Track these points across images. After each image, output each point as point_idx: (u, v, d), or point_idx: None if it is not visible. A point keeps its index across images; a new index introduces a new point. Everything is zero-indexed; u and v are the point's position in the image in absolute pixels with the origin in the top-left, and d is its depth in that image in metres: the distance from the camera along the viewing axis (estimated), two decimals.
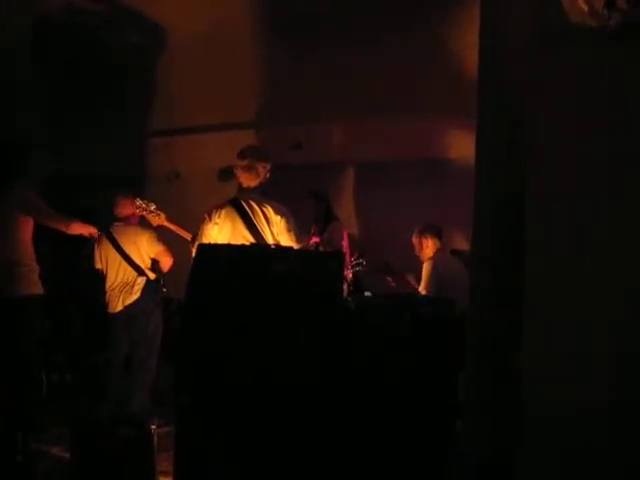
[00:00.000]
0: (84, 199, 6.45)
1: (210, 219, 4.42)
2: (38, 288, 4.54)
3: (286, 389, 3.18)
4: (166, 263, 5.54)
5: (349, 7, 6.42)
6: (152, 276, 5.52)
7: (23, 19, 7.06)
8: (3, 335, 4.41)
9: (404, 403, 3.23)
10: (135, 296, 5.45)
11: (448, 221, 6.00)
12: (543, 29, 2.74)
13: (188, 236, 4.93)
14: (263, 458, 3.19)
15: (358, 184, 7.22)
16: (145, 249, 5.49)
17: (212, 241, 4.33)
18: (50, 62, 7.36)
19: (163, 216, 5.35)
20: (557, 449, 2.63)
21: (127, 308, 5.46)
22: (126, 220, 5.55)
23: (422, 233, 5.86)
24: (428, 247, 5.82)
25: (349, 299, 3.86)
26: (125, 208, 5.55)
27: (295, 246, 4.28)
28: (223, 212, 4.40)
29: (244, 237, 4.31)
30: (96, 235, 4.99)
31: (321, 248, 5.53)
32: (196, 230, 4.54)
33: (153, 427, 3.95)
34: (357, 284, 5.93)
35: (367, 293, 5.23)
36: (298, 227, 4.47)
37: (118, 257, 5.46)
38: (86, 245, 5.57)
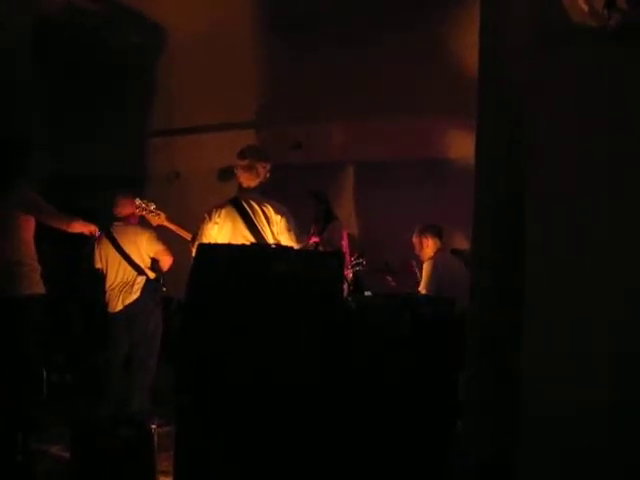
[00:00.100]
0: (84, 199, 6.45)
1: (210, 219, 4.42)
2: (40, 288, 4.53)
3: (286, 389, 3.18)
4: (166, 262, 5.54)
5: (349, 7, 6.43)
6: (152, 275, 5.52)
7: (23, 19, 7.07)
8: (4, 334, 4.40)
9: (404, 403, 3.23)
10: (135, 295, 5.45)
11: (448, 221, 6.00)
12: (543, 29, 2.74)
13: (188, 236, 4.93)
14: (263, 458, 3.19)
15: (358, 184, 7.22)
16: (145, 248, 5.50)
17: (212, 241, 4.33)
18: (50, 62, 7.36)
19: (163, 216, 5.35)
20: (557, 449, 2.63)
21: (127, 307, 5.46)
22: (126, 220, 5.56)
23: (422, 233, 5.86)
24: (428, 247, 5.82)
25: (349, 299, 3.86)
26: (125, 208, 5.55)
27: (295, 246, 4.28)
28: (223, 212, 4.41)
29: (244, 237, 4.31)
30: (97, 233, 4.99)
31: (321, 248, 5.54)
32: (196, 230, 4.54)
33: (153, 427, 3.95)
34: (357, 284, 5.93)
35: (367, 293, 5.23)
36: (298, 227, 4.47)
37: (118, 257, 5.46)
38: (86, 244, 5.57)
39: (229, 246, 3.95)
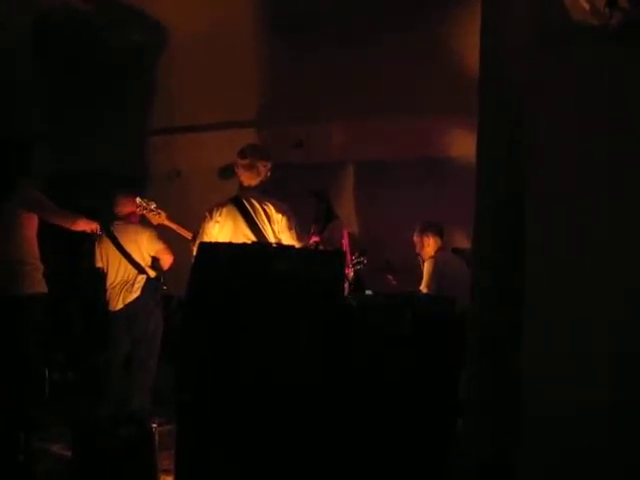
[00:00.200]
0: (84, 198, 6.45)
1: (211, 217, 4.42)
2: (42, 287, 4.53)
3: (287, 388, 3.18)
4: (166, 261, 5.55)
5: (349, 7, 6.42)
6: (152, 274, 5.53)
7: (23, 19, 7.06)
8: (6, 334, 4.40)
9: (405, 402, 3.23)
10: (135, 294, 5.46)
11: (449, 220, 6.00)
12: (543, 29, 2.74)
13: (188, 235, 4.93)
14: (264, 457, 3.20)
15: (359, 183, 7.22)
16: (145, 247, 5.50)
17: (213, 239, 4.33)
18: (50, 61, 7.36)
19: (163, 215, 5.35)
20: (557, 449, 2.63)
21: (127, 306, 5.46)
22: (126, 218, 5.56)
23: (423, 232, 5.86)
24: (429, 245, 5.82)
25: (350, 298, 3.87)
26: (125, 207, 5.56)
27: (296, 244, 4.28)
28: (224, 210, 4.41)
29: (245, 235, 4.31)
30: (98, 231, 5.00)
31: (321, 247, 5.54)
32: (197, 229, 4.54)
33: (154, 426, 3.95)
34: (358, 283, 5.94)
35: (368, 292, 5.23)
36: (299, 225, 4.47)
37: (119, 255, 5.46)
38: (86, 243, 5.58)
39: (230, 245, 3.95)
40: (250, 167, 4.46)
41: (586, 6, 2.58)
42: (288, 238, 4.34)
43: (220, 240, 4.32)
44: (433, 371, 3.29)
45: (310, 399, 3.17)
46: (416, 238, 5.91)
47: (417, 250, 5.92)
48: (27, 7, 6.95)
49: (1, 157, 4.67)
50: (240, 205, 4.40)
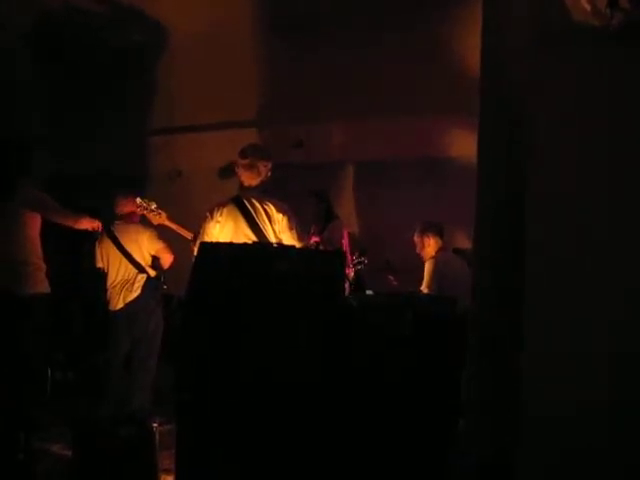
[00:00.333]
0: (85, 198, 6.45)
1: (212, 217, 4.42)
2: (45, 287, 4.53)
3: (287, 387, 3.18)
4: (167, 260, 5.55)
5: (349, 7, 6.43)
6: (152, 273, 5.53)
7: (23, 19, 7.06)
8: (8, 333, 4.40)
9: (405, 402, 3.24)
10: (136, 293, 5.46)
11: (449, 220, 6.00)
12: (543, 29, 2.74)
13: (189, 235, 4.93)
14: (264, 456, 3.20)
15: (359, 183, 7.23)
16: (146, 246, 5.51)
17: (214, 239, 4.34)
18: (50, 62, 7.36)
19: (164, 215, 5.35)
20: (557, 449, 2.63)
21: (128, 306, 5.47)
22: (127, 218, 5.57)
23: (423, 232, 5.86)
24: (430, 246, 5.82)
25: (351, 298, 3.87)
26: (125, 207, 5.57)
27: (297, 244, 4.28)
28: (225, 210, 4.41)
29: (246, 235, 4.31)
30: (100, 229, 5.00)
31: (321, 247, 5.55)
32: (198, 229, 4.54)
33: (154, 425, 3.96)
34: (358, 283, 5.95)
35: (369, 292, 5.24)
36: (300, 225, 4.48)
37: (119, 255, 5.47)
38: (87, 243, 5.58)
39: (231, 245, 3.95)
40: (251, 167, 4.47)
41: (587, 7, 2.58)
42: (289, 238, 4.34)
43: (221, 240, 4.32)
44: (434, 371, 3.29)
45: (310, 399, 3.17)
46: (416, 238, 5.91)
47: (418, 250, 5.92)
48: (27, 7, 6.95)
49: (2, 157, 4.67)
50: (241, 205, 4.40)
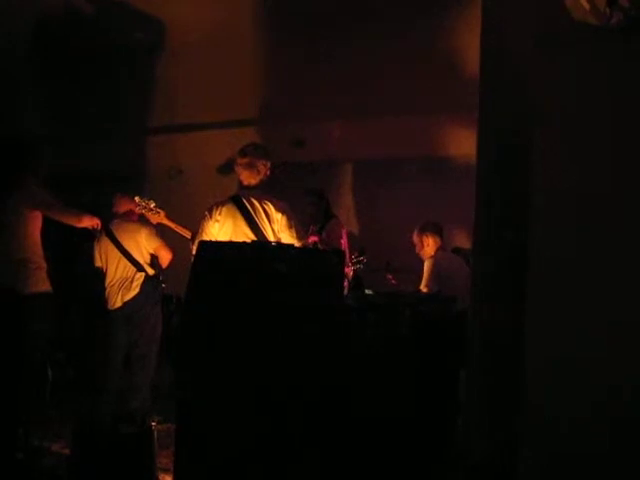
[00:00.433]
0: (85, 197, 6.45)
1: (211, 216, 4.41)
2: (46, 285, 4.52)
3: (286, 387, 3.18)
4: (165, 258, 5.54)
5: (349, 7, 6.43)
6: (151, 272, 5.53)
7: (23, 19, 7.06)
8: (9, 332, 4.40)
9: (405, 401, 3.23)
10: (134, 292, 5.45)
11: (449, 219, 6.01)
12: (544, 28, 2.75)
13: (187, 234, 4.93)
14: (263, 456, 3.20)
15: (358, 182, 7.23)
16: (144, 244, 5.50)
17: (213, 238, 4.33)
18: (50, 61, 7.36)
19: (163, 214, 5.35)
20: (557, 449, 2.63)
21: (126, 304, 5.45)
22: (125, 217, 5.57)
23: (423, 231, 5.85)
24: (429, 245, 5.81)
25: (350, 297, 3.87)
26: (123, 205, 5.57)
27: (296, 243, 4.28)
28: (224, 209, 4.40)
29: (245, 234, 4.30)
30: (99, 227, 4.99)
31: (320, 246, 5.55)
32: (197, 227, 4.54)
33: (153, 424, 3.95)
34: (358, 282, 5.95)
35: (368, 291, 5.24)
36: (299, 224, 4.48)
37: (118, 254, 5.46)
38: (87, 242, 5.58)
39: (230, 244, 3.95)
40: (250, 166, 4.46)
41: (586, 6, 2.59)
42: (288, 237, 4.34)
43: (220, 239, 4.32)
44: (433, 370, 3.29)
45: (309, 398, 3.17)
46: (415, 238, 5.91)
47: (417, 250, 5.91)
48: (27, 7, 6.94)
49: (4, 155, 4.67)
50: (240, 204, 4.40)
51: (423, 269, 5.73)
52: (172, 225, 5.25)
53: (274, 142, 6.10)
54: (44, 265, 4.55)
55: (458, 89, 5.20)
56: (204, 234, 4.39)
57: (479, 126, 2.92)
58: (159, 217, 5.35)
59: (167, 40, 7.26)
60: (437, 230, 5.84)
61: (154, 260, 5.56)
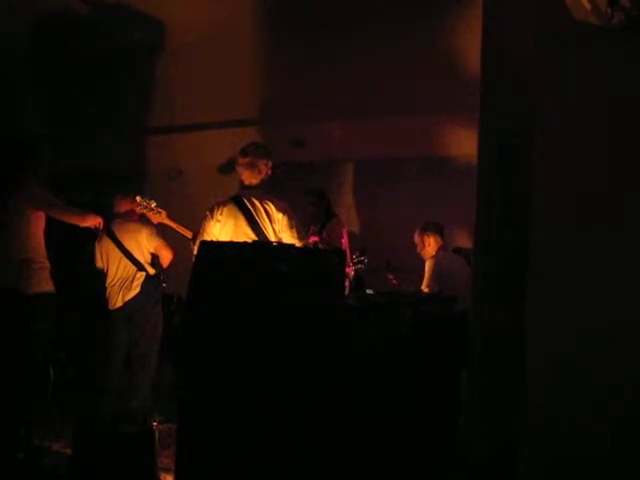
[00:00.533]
0: (85, 197, 6.45)
1: (212, 216, 4.41)
2: (49, 285, 4.52)
3: (286, 386, 3.19)
4: (165, 257, 5.54)
5: (349, 7, 6.43)
6: (152, 271, 5.53)
7: (23, 19, 7.06)
8: (12, 331, 4.40)
9: (405, 401, 3.24)
10: (135, 291, 5.45)
11: (450, 219, 6.01)
12: (544, 28, 2.75)
13: (189, 234, 4.93)
14: (264, 456, 3.20)
15: (359, 182, 7.23)
16: (145, 244, 5.50)
17: (214, 238, 4.33)
18: (50, 61, 7.36)
19: (164, 214, 5.35)
20: (558, 449, 2.64)
21: (127, 304, 5.46)
22: (126, 216, 5.57)
23: (424, 231, 5.86)
24: (430, 245, 5.81)
25: (351, 297, 3.87)
26: (123, 205, 5.58)
27: (297, 243, 4.28)
28: (225, 209, 4.40)
29: (246, 234, 4.31)
30: (101, 226, 4.99)
31: (320, 246, 5.55)
32: (198, 227, 4.54)
33: (155, 424, 3.95)
34: (359, 282, 5.95)
35: (369, 291, 5.24)
36: (300, 224, 4.48)
37: (119, 253, 5.46)
38: (89, 242, 5.58)
39: (231, 244, 3.95)
40: (251, 166, 4.46)
41: (588, 6, 2.59)
42: (289, 237, 4.34)
43: (221, 239, 4.32)
44: (434, 370, 3.29)
45: (309, 398, 3.17)
46: (416, 238, 5.91)
47: (418, 250, 5.92)
48: (27, 7, 6.94)
49: (4, 155, 4.67)
50: (241, 204, 4.40)
51: (424, 269, 5.73)
52: (173, 225, 5.25)
53: (274, 142, 6.10)
54: (47, 265, 4.55)
55: (458, 89, 5.20)
56: (205, 234, 4.39)
57: (480, 126, 2.92)
58: (160, 217, 5.36)
59: (167, 40, 7.25)
60: (438, 230, 5.85)
61: (155, 260, 5.56)
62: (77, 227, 4.81)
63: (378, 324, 3.33)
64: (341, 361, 3.21)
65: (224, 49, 6.72)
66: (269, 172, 4.51)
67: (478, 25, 2.98)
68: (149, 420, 4.04)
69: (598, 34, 2.62)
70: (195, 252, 3.99)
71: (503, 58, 2.86)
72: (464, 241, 6.12)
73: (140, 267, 5.47)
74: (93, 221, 4.83)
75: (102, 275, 5.55)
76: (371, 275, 6.14)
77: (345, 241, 5.95)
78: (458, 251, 6.05)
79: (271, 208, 4.36)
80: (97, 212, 4.96)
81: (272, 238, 4.31)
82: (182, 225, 5.15)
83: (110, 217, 5.54)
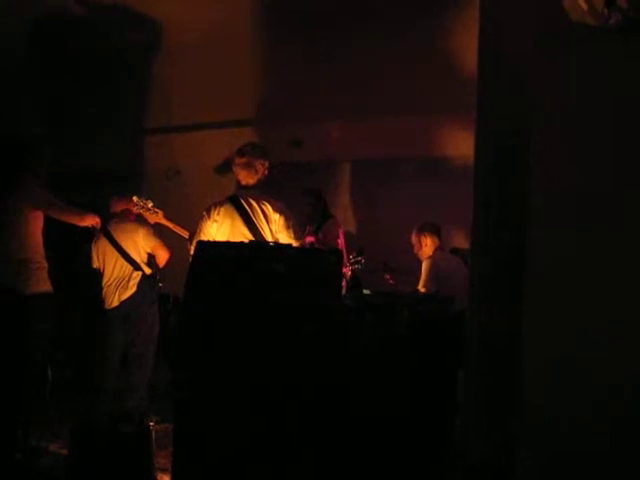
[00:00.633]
0: (84, 197, 6.45)
1: (209, 217, 4.41)
2: (47, 285, 4.52)
3: (284, 387, 3.18)
4: (162, 257, 5.54)
5: (349, 7, 6.43)
6: (148, 271, 5.53)
7: (23, 19, 7.06)
8: (10, 332, 4.39)
9: (403, 402, 3.23)
10: (131, 291, 5.45)
11: (447, 219, 6.01)
12: (543, 28, 2.75)
13: (185, 234, 4.93)
14: (261, 456, 3.19)
15: (356, 182, 7.23)
16: (141, 243, 5.50)
17: (211, 238, 4.34)
18: (50, 61, 7.35)
19: (161, 214, 5.34)
20: (555, 449, 2.63)
21: (123, 304, 5.45)
22: (122, 216, 5.57)
23: (421, 232, 5.86)
24: (427, 245, 5.82)
25: (348, 297, 3.86)
26: (119, 205, 5.58)
27: (294, 243, 4.28)
28: (222, 210, 4.40)
29: (243, 235, 4.31)
30: (99, 226, 4.99)
31: (317, 246, 5.55)
32: (195, 227, 4.54)
33: (152, 424, 3.95)
34: (356, 282, 5.95)
35: (366, 291, 5.23)
36: (297, 224, 4.47)
37: (115, 253, 5.46)
38: (86, 242, 5.58)
39: (228, 244, 3.95)
40: (248, 166, 4.46)
41: (584, 7, 2.58)
42: (286, 237, 4.34)
43: (218, 239, 4.32)
44: (430, 371, 3.28)
45: (306, 398, 3.17)
46: (414, 238, 5.92)
47: (415, 250, 5.92)
48: (27, 7, 6.94)
49: (4, 155, 4.66)
50: (238, 204, 4.40)
51: (421, 269, 5.74)
52: (170, 225, 5.24)
53: (272, 142, 6.10)
54: (45, 265, 4.54)
55: (458, 89, 5.19)
56: (202, 234, 4.39)
57: (477, 127, 2.92)
58: (157, 217, 5.35)
59: (164, 40, 7.25)
60: (435, 230, 5.85)
61: (151, 259, 5.56)
62: (75, 227, 4.81)
63: (375, 324, 3.33)
64: (338, 361, 3.21)
65: (221, 49, 6.72)
66: (266, 172, 4.51)
67: (477, 26, 2.98)
68: (146, 420, 4.04)
69: (597, 34, 2.62)
70: (192, 252, 3.99)
71: (500, 59, 2.86)
72: (461, 242, 6.13)
73: (136, 267, 5.47)
74: (92, 220, 4.82)
75: (99, 275, 5.55)
76: (368, 275, 6.15)
77: (341, 242, 5.95)
78: (455, 252, 6.05)
79: (268, 208, 4.36)
80: (96, 212, 4.96)
81: (269, 238, 4.31)
82: (179, 225, 5.14)
83: (107, 217, 5.53)
